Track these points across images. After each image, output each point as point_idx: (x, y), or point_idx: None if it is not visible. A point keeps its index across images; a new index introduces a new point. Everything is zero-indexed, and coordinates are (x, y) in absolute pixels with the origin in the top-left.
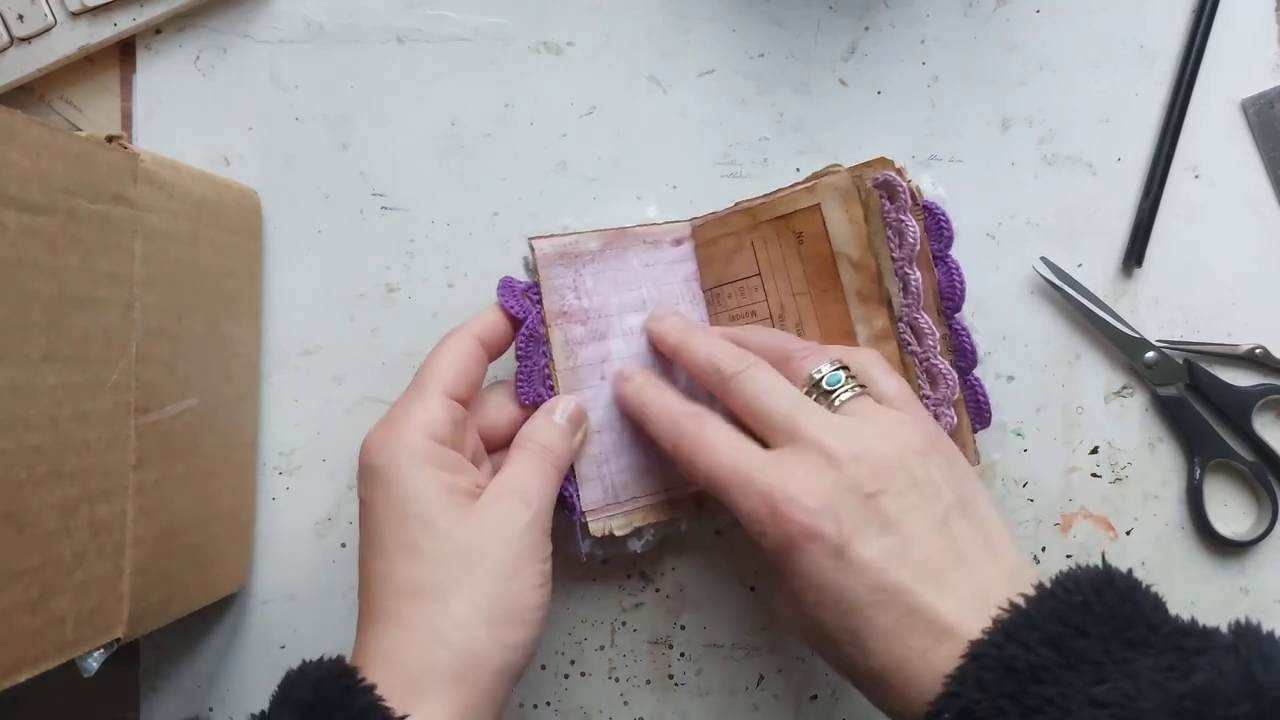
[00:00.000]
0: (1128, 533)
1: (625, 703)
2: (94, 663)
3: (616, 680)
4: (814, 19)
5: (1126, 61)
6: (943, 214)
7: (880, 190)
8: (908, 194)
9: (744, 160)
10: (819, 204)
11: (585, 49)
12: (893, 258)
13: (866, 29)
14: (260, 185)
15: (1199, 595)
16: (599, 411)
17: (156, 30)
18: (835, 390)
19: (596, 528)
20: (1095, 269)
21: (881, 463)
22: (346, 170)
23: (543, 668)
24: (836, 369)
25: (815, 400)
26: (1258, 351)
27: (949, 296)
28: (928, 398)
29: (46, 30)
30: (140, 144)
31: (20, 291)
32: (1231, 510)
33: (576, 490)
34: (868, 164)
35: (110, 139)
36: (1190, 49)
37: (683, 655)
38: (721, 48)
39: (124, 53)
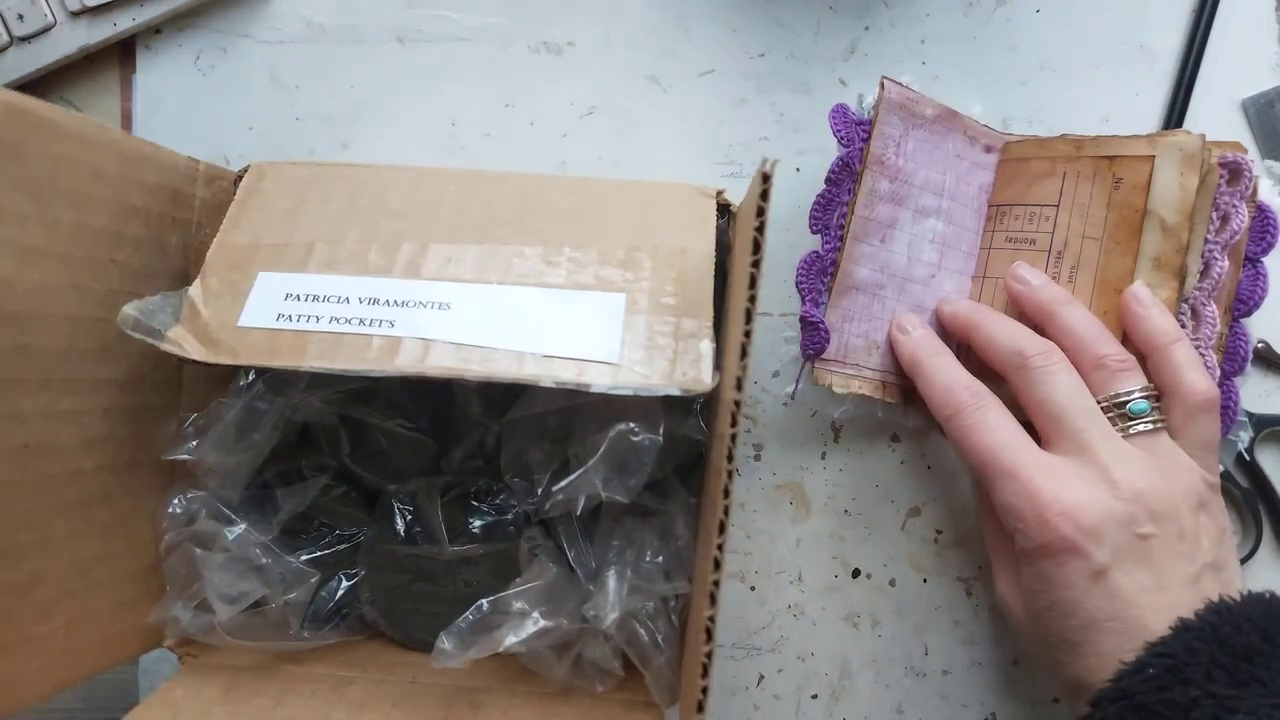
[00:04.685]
0: None
1: None
2: None
3: None
4: (814, 19)
5: (1126, 61)
6: (1274, 218)
7: (1224, 169)
8: (1251, 183)
9: (744, 160)
10: (1154, 157)
11: (585, 49)
12: (1206, 238)
13: (866, 29)
14: None
15: None
16: (864, 272)
17: (156, 30)
18: (1136, 419)
19: (821, 375)
20: None
21: (1160, 507)
22: None
23: None
24: (1145, 397)
25: (1113, 416)
26: (1259, 346)
27: (1244, 299)
28: None
29: (46, 30)
30: None
31: None
32: None
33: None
34: (1219, 142)
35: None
36: (1190, 49)
37: None
38: (721, 48)
39: (124, 53)
